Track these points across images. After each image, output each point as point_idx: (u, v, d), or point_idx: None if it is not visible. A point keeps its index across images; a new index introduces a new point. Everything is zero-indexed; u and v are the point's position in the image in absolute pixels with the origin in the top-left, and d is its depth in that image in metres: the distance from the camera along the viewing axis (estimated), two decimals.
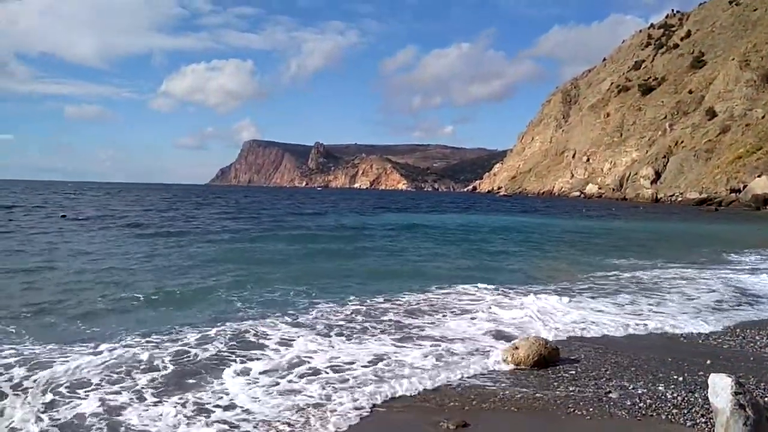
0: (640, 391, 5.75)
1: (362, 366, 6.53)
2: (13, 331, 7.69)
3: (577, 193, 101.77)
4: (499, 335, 8.07)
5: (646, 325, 8.71)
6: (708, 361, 6.78)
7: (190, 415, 5.09)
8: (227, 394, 5.62)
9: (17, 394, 5.45)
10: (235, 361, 6.58)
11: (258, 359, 6.66)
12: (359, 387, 5.85)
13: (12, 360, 6.39)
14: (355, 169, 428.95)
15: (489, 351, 7.22)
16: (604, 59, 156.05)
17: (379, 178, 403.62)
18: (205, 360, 6.62)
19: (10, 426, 4.83)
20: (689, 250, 19.24)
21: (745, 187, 58.67)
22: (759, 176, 57.40)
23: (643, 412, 5.24)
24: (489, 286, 11.53)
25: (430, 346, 7.44)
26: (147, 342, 7.19)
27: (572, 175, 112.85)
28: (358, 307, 9.59)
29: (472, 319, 9.04)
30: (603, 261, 16.43)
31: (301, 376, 6.17)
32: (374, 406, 5.42)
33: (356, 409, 5.30)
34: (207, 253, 16.37)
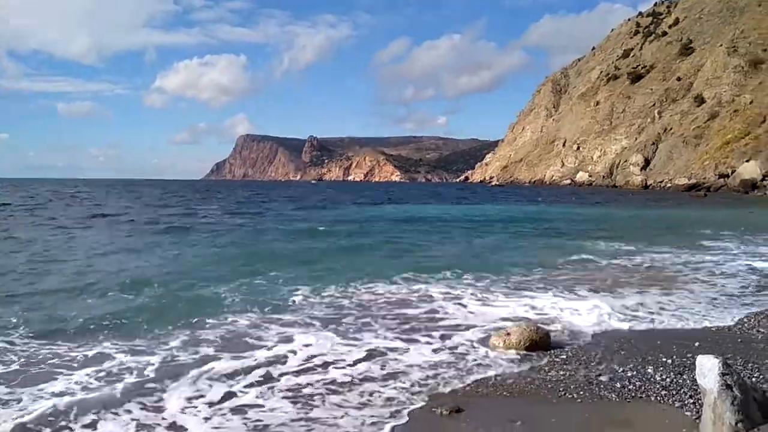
0: (629, 374, 5.83)
1: (358, 359, 6.57)
2: None
3: (568, 182, 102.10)
4: (494, 322, 8.13)
5: (634, 308, 8.80)
6: (696, 344, 6.87)
7: None
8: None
9: None
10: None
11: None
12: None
13: None
14: (349, 161, 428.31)
15: (481, 337, 7.28)
16: (593, 48, 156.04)
17: (373, 170, 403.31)
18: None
19: None
20: (681, 236, 19.39)
21: (733, 172, 59.16)
22: (747, 161, 57.89)
23: (633, 394, 5.32)
24: (482, 277, 11.60)
25: (423, 334, 7.50)
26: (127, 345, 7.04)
27: (563, 164, 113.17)
28: (364, 295, 9.64)
29: (465, 307, 9.10)
30: (582, 246, 16.56)
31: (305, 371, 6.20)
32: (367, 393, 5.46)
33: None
34: (217, 249, 16.04)
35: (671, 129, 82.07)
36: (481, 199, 55.79)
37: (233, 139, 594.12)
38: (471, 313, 8.74)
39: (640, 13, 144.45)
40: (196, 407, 5.18)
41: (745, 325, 7.81)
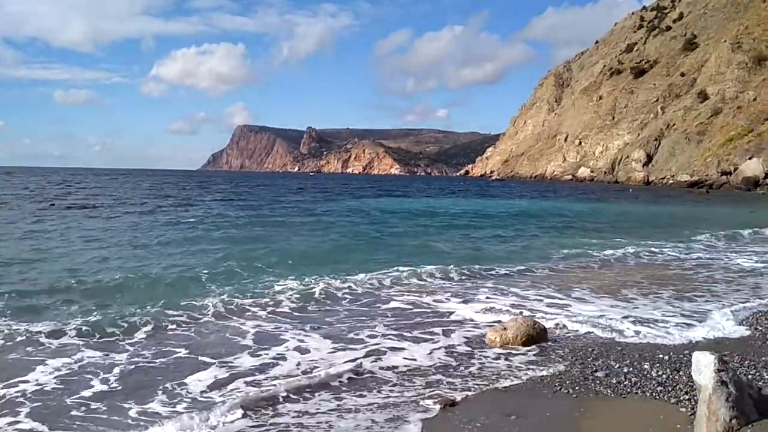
0: (625, 370, 5.81)
1: (353, 353, 6.55)
2: None
3: (569, 177, 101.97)
4: (490, 316, 8.13)
5: (632, 304, 8.79)
6: (693, 340, 6.86)
7: None
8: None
9: None
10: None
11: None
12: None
13: None
14: (348, 153, 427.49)
15: (478, 332, 7.27)
16: (597, 42, 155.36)
17: (372, 162, 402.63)
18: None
19: None
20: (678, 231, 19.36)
21: (736, 169, 58.97)
22: (750, 158, 57.69)
23: (629, 390, 5.31)
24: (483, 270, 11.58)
25: (419, 327, 7.51)
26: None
27: (564, 159, 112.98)
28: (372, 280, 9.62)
29: (466, 302, 9.09)
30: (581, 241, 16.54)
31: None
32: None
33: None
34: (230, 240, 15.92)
35: (674, 125, 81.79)
36: (496, 193, 55.64)
37: (231, 129, 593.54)
38: (468, 307, 8.73)
39: (644, 8, 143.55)
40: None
41: (743, 323, 7.79)
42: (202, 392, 5.35)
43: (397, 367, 6.01)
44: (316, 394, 5.28)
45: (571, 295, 9.53)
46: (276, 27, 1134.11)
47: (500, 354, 6.47)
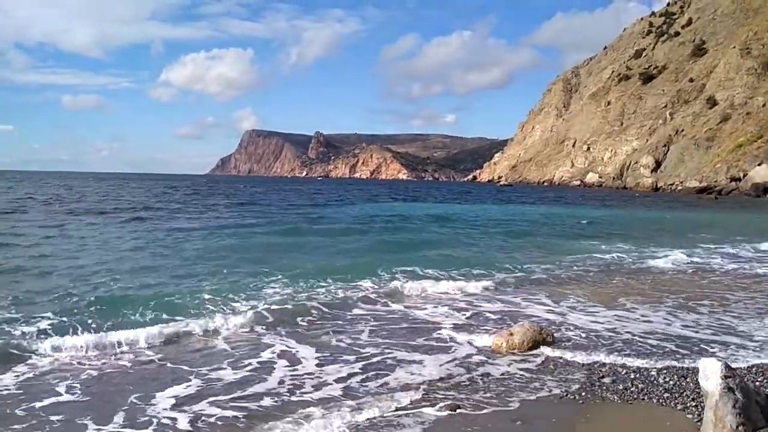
0: (632, 376, 5.81)
1: (357, 355, 6.59)
2: None
3: (578, 183, 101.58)
4: (498, 321, 8.14)
5: (639, 310, 8.77)
6: (699, 347, 6.84)
7: None
8: None
9: None
10: None
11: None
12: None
13: None
14: (356, 158, 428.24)
15: (485, 336, 7.27)
16: (605, 47, 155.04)
17: (380, 167, 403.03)
18: None
19: None
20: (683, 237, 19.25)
21: (745, 175, 58.55)
22: (759, 165, 57.25)
23: (635, 396, 5.30)
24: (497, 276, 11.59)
25: (425, 332, 7.53)
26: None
27: (572, 164, 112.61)
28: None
29: (470, 305, 9.11)
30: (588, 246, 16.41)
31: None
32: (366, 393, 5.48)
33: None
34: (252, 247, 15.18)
35: (683, 131, 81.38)
36: (513, 198, 55.32)
37: (239, 134, 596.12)
38: (475, 312, 8.75)
39: (653, 13, 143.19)
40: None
41: (751, 329, 7.76)
42: (165, 409, 4.99)
43: (401, 371, 6.02)
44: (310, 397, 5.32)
45: (582, 300, 9.50)
46: (284, 32, 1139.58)
47: (506, 359, 6.47)
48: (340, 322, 8.10)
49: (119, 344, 6.65)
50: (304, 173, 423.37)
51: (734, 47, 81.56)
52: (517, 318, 8.22)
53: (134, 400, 5.17)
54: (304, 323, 7.96)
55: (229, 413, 4.92)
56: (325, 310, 8.60)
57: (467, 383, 5.72)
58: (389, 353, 6.62)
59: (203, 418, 4.84)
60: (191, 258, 13.10)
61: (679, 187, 68.52)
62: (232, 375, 5.87)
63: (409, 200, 51.24)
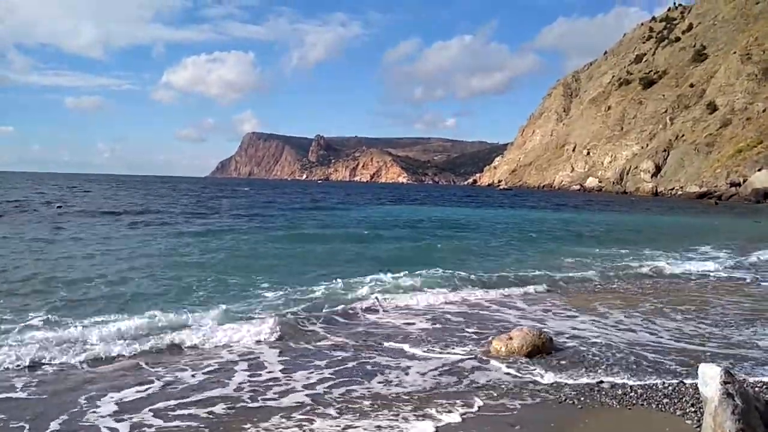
0: (631, 382, 5.79)
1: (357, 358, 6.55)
2: None
3: (577, 187, 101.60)
4: (498, 326, 8.12)
5: (637, 315, 8.75)
6: (699, 353, 6.82)
7: None
8: None
9: None
10: None
11: None
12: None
13: None
14: (356, 162, 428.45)
15: (484, 341, 7.26)
16: (606, 52, 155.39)
17: (380, 171, 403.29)
18: None
19: None
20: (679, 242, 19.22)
21: (745, 180, 58.57)
22: (759, 170, 57.29)
23: (634, 401, 5.28)
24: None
25: (426, 336, 7.51)
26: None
27: (572, 169, 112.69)
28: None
29: (470, 309, 9.09)
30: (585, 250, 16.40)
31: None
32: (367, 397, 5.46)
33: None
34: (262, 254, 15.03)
35: (683, 136, 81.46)
36: (515, 203, 54.97)
37: (239, 137, 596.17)
38: (476, 316, 8.73)
39: (654, 18, 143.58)
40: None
41: (751, 334, 7.74)
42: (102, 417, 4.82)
43: (400, 375, 6.01)
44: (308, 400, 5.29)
45: (581, 306, 9.48)
46: (286, 35, 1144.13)
47: (505, 363, 6.45)
48: (334, 328, 8.08)
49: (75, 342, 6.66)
50: (304, 176, 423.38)
51: (735, 53, 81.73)
52: (516, 324, 8.20)
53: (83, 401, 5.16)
54: (301, 331, 7.95)
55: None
56: (321, 319, 8.58)
57: (465, 387, 5.70)
58: (390, 356, 6.60)
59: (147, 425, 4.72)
60: (167, 264, 12.75)
61: (679, 192, 68.55)
62: (192, 378, 5.84)
63: (416, 203, 51.20)
